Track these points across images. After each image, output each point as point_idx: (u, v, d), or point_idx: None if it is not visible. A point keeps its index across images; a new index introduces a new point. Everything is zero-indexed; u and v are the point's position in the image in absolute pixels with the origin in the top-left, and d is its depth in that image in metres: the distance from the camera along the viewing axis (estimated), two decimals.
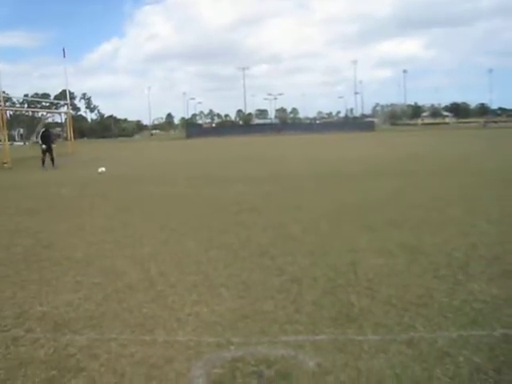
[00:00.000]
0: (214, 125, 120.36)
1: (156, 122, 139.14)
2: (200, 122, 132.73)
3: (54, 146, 21.81)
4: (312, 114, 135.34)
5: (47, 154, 20.55)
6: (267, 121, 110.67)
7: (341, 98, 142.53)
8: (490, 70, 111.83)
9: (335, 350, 3.00)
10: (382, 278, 4.29)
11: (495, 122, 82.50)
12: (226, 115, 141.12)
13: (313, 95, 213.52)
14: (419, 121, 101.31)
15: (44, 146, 20.49)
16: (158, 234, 6.39)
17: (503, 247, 5.13)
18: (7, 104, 34.30)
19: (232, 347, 3.09)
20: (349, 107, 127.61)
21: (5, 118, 26.89)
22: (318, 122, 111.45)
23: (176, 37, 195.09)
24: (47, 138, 20.74)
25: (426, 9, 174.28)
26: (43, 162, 20.39)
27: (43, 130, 21.95)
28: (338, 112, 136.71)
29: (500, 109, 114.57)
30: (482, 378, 2.63)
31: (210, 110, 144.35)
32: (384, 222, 6.56)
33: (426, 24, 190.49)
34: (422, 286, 4.06)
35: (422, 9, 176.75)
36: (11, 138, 62.81)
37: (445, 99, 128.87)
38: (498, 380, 2.61)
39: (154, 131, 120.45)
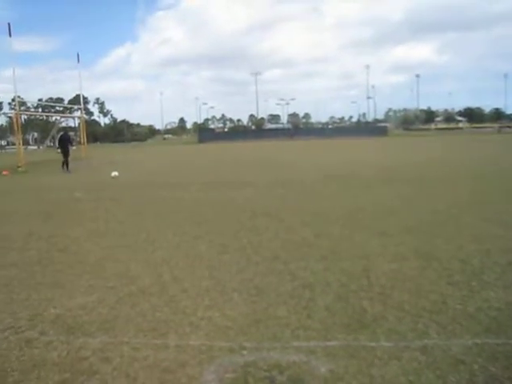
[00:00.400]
0: (226, 129, 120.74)
1: (168, 127, 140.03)
2: (212, 126, 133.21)
3: (73, 148, 21.98)
4: (324, 119, 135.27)
5: (66, 157, 20.73)
6: (279, 126, 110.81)
7: (353, 102, 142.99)
8: (506, 75, 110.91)
9: (348, 356, 2.98)
10: (396, 283, 4.26)
11: (510, 127, 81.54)
12: (239, 120, 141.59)
13: (325, 100, 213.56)
14: (432, 126, 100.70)
15: (59, 150, 20.68)
16: (171, 239, 6.41)
17: None
18: (22, 108, 34.81)
19: (244, 352, 3.09)
20: (361, 112, 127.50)
21: (19, 122, 27.20)
22: (330, 126, 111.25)
23: (189, 42, 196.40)
24: (65, 142, 20.89)
25: (440, 13, 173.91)
26: (65, 165, 20.53)
27: (61, 133, 22.13)
28: (351, 117, 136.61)
29: None
30: None
31: (223, 115, 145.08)
32: (397, 228, 6.52)
33: (439, 28, 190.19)
34: (435, 292, 4.02)
35: (436, 13, 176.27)
36: (25, 142, 63.57)
37: (458, 104, 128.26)
38: None
39: (166, 136, 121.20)
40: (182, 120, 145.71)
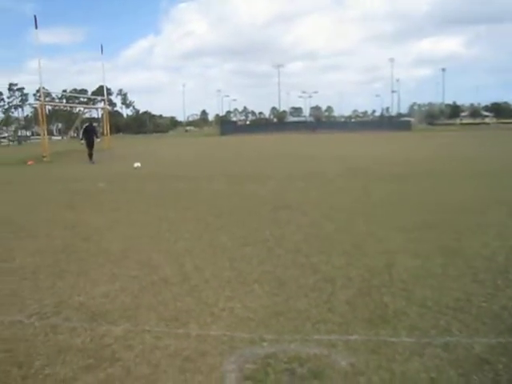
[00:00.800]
0: (247, 122, 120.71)
1: (190, 119, 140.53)
2: (234, 119, 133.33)
3: (98, 140, 22.08)
4: (347, 113, 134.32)
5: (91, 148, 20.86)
6: (301, 119, 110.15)
7: (377, 96, 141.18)
8: None
9: (368, 350, 2.97)
10: (418, 280, 4.21)
11: None
12: (260, 113, 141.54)
13: (348, 93, 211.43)
14: (457, 121, 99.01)
15: (83, 141, 20.87)
16: (193, 230, 6.45)
17: None
18: (47, 99, 35.32)
19: (265, 344, 3.10)
20: (385, 106, 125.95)
21: (44, 112, 27.61)
22: (353, 120, 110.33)
23: (211, 34, 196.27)
24: (89, 133, 21.02)
25: (467, 5, 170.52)
26: (90, 156, 20.73)
27: (86, 124, 22.21)
28: (374, 111, 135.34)
29: None
30: None
31: (244, 107, 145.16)
32: (420, 223, 6.44)
33: (466, 21, 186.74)
34: (459, 289, 3.97)
35: (463, 5, 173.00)
36: (50, 133, 64.54)
37: (485, 99, 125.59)
38: None
39: (188, 128, 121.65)
40: (203, 112, 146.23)
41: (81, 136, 21.57)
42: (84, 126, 22.00)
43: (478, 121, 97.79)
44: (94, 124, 25.57)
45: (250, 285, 4.20)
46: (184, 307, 3.74)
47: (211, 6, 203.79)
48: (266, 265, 4.76)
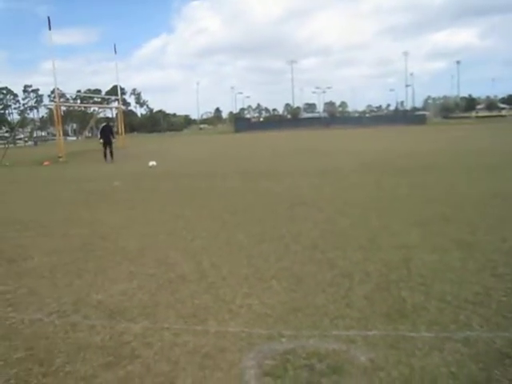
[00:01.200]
0: (261, 119, 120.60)
1: (204, 117, 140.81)
2: (248, 116, 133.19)
3: (114, 140, 22.39)
4: (361, 108, 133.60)
5: (107, 148, 21.24)
6: (315, 115, 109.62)
7: (391, 90, 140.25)
8: None
9: (387, 346, 2.95)
10: (436, 274, 4.18)
11: None
12: (274, 109, 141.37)
13: (362, 88, 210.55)
14: (473, 114, 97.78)
15: (101, 141, 21.14)
16: (209, 227, 6.47)
17: None
18: (61, 100, 35.63)
19: (283, 340, 3.10)
20: (399, 100, 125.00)
21: (59, 113, 27.88)
22: (367, 115, 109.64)
23: (224, 31, 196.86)
24: (107, 133, 21.32)
25: None
26: (105, 156, 21.09)
27: (103, 124, 22.63)
28: (388, 105, 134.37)
29: None
30: None
31: (258, 104, 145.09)
32: (437, 217, 6.39)
33: (481, 12, 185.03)
34: (478, 283, 3.93)
35: None
36: (65, 133, 65.21)
37: (502, 91, 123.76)
38: None
39: (202, 126, 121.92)
40: (217, 110, 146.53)
41: (99, 136, 21.85)
42: (101, 126, 22.32)
43: (494, 113, 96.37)
44: (111, 124, 25.85)
45: (268, 281, 4.20)
46: (202, 304, 3.75)
47: (224, 2, 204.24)
48: (283, 261, 4.76)
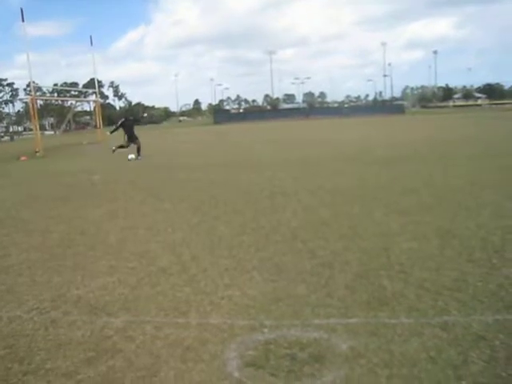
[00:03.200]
0: (241, 110, 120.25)
1: (184, 109, 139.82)
2: (227, 107, 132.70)
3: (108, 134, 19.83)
4: (340, 98, 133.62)
5: (134, 144, 18.23)
6: (295, 105, 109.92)
7: (370, 80, 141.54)
8: None
9: (368, 333, 2.99)
10: (415, 261, 4.24)
11: None
12: (254, 100, 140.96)
13: (341, 78, 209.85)
14: (450, 103, 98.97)
15: (126, 138, 18.37)
16: (190, 219, 6.45)
17: None
18: (37, 94, 35.02)
19: (265, 330, 3.12)
20: (378, 90, 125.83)
21: (35, 107, 27.41)
22: (346, 105, 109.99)
23: (202, 21, 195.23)
24: (130, 128, 18.32)
25: None
26: (121, 147, 18.48)
27: (123, 119, 18.68)
28: (367, 95, 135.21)
29: None
30: None
31: (238, 96, 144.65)
32: (416, 206, 6.47)
33: (457, 2, 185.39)
34: (456, 269, 4.00)
35: None
36: (42, 128, 64.13)
37: (478, 80, 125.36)
38: None
39: (181, 118, 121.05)
40: (196, 102, 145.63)
41: (119, 130, 18.65)
42: (121, 121, 18.52)
43: (470, 102, 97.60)
44: (86, 117, 24.42)
45: (249, 272, 4.21)
46: (183, 297, 3.75)
47: None
48: (264, 252, 4.77)
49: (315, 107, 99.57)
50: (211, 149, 21.25)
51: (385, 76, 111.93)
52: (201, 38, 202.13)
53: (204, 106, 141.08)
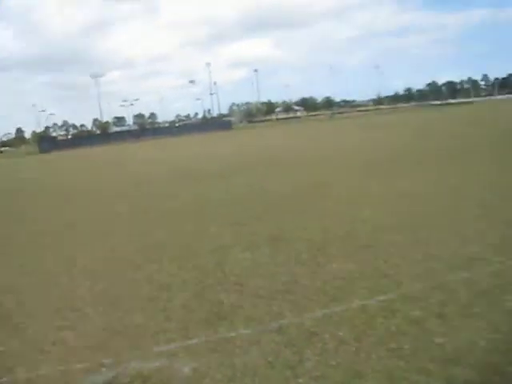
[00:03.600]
0: (69, 136, 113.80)
1: (4, 139, 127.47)
2: (54, 134, 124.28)
3: None
4: (171, 118, 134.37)
5: None
6: (125, 128, 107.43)
7: (198, 99, 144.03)
8: (331, 66, 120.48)
9: (209, 351, 3.00)
10: (249, 271, 4.39)
11: (340, 113, 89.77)
12: (82, 125, 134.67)
13: (170, 99, 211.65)
14: (273, 116, 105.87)
15: None
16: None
17: (353, 225, 5.59)
18: None
19: (103, 369, 2.93)
20: (206, 108, 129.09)
21: None
22: (177, 125, 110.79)
23: (18, 44, 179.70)
24: None
25: (269, 12, 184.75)
26: None
27: None
28: (196, 114, 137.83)
29: (343, 101, 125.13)
30: (345, 348, 2.83)
31: (65, 121, 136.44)
32: (248, 216, 6.74)
33: (271, 26, 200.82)
34: (286, 273, 4.23)
35: (266, 12, 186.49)
36: None
37: (295, 95, 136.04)
38: (358, 347, 2.83)
39: (3, 148, 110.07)
40: (19, 130, 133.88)
41: None
42: None
43: (291, 115, 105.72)
44: None
45: (82, 309, 3.93)
46: (7, 351, 3.34)
47: (14, 13, 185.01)
48: (98, 285, 4.51)
49: (146, 128, 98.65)
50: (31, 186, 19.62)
51: (211, 94, 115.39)
52: (19, 63, 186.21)
53: (28, 135, 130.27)
